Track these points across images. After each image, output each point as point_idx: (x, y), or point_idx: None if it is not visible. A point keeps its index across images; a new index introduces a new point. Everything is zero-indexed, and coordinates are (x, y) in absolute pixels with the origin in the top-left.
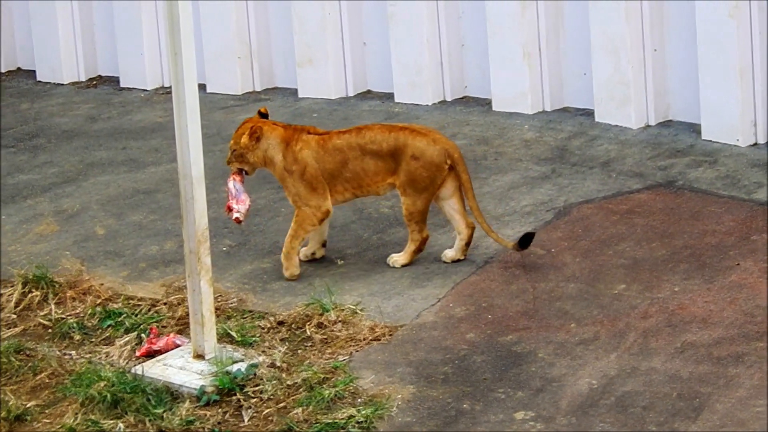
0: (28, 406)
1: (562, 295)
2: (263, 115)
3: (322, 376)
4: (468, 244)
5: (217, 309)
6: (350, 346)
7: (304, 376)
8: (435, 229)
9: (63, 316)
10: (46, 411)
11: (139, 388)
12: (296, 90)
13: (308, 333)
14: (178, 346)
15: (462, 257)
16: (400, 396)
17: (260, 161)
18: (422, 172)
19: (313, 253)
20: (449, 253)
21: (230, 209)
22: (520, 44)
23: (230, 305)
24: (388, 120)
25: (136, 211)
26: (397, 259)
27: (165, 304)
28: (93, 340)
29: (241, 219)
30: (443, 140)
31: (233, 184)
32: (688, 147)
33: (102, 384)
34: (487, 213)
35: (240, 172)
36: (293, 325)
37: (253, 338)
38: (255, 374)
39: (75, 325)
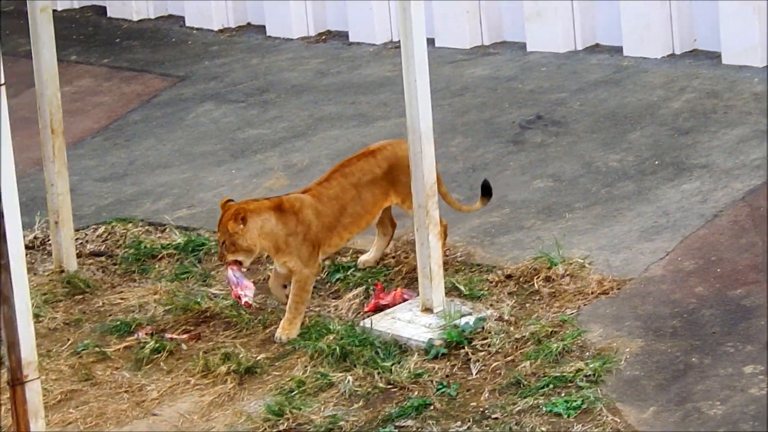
0: (258, 358)
1: None
2: (230, 201)
3: (550, 329)
4: (387, 245)
5: (445, 263)
6: (578, 299)
7: (532, 329)
8: (667, 184)
9: None
10: (276, 364)
11: (367, 342)
12: (524, 44)
13: (536, 287)
14: (406, 299)
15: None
16: (628, 350)
17: (254, 243)
18: None
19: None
20: (367, 259)
21: (238, 297)
22: None
23: (458, 259)
24: (617, 74)
25: None
26: None
27: (393, 257)
28: (322, 293)
29: (251, 303)
30: None
31: (232, 273)
32: None
33: (331, 337)
34: (716, 167)
35: (236, 262)
36: (521, 279)
37: (481, 292)
38: (483, 328)
39: None
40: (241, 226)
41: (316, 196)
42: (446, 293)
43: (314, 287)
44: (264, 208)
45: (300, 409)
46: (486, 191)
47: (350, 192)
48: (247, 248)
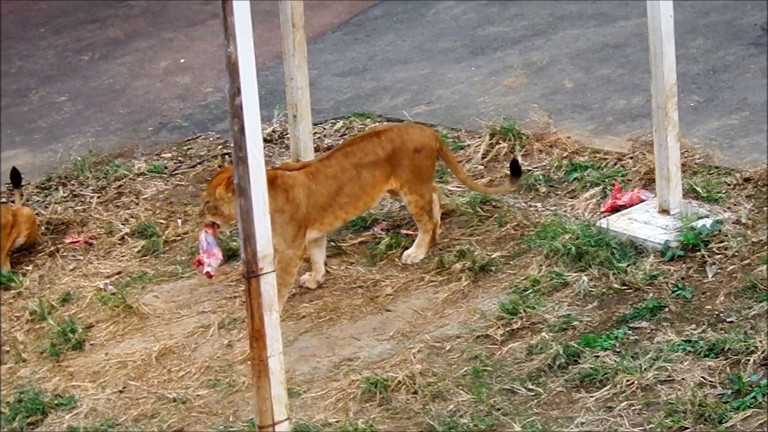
0: (492, 256)
1: None
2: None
3: None
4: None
5: (683, 164)
6: None
7: None
8: None
9: (529, 168)
10: (511, 262)
11: (603, 242)
12: None
13: None
14: (642, 200)
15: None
16: None
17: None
18: (426, 161)
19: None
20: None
21: (200, 263)
22: None
23: (696, 161)
24: None
25: (604, 65)
26: (415, 254)
27: (631, 158)
28: (558, 192)
29: (212, 273)
30: (426, 127)
31: (204, 236)
32: None
33: (566, 236)
34: None
35: (213, 225)
36: (759, 182)
37: (719, 194)
38: (720, 230)
39: (541, 177)
40: (229, 194)
41: (312, 173)
42: (684, 195)
43: (551, 186)
44: None
45: (534, 308)
46: (515, 170)
47: (350, 172)
48: (228, 216)
